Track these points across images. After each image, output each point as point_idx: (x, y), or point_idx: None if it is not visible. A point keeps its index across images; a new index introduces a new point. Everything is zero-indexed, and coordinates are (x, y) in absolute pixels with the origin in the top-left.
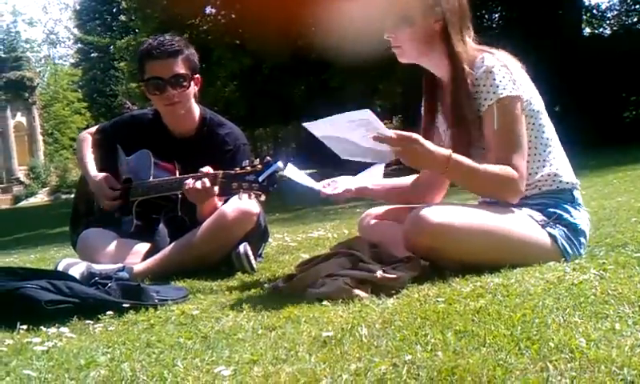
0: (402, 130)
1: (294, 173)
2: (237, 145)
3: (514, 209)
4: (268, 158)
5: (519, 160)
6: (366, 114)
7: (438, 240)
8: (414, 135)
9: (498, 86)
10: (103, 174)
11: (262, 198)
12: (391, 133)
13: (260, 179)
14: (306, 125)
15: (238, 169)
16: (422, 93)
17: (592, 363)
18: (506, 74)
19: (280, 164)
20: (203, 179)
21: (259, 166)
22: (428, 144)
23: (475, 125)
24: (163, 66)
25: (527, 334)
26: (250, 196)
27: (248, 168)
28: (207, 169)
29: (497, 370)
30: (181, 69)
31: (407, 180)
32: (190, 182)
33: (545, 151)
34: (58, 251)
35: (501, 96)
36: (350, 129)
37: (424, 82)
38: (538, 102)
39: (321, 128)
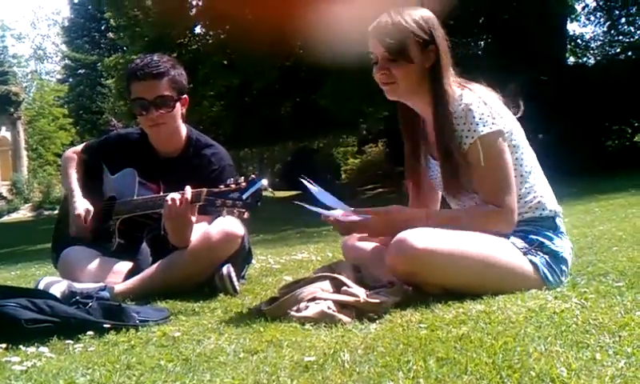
0: (388, 154)
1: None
2: (222, 165)
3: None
4: (252, 175)
5: (506, 196)
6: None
7: (421, 265)
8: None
9: (477, 124)
10: (84, 206)
11: (246, 215)
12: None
13: (244, 197)
14: (303, 181)
15: (222, 186)
16: (402, 131)
17: None
18: (485, 110)
19: (264, 181)
20: (185, 194)
21: (243, 184)
22: (402, 210)
23: (461, 161)
24: (148, 88)
25: (509, 362)
26: (233, 214)
27: (232, 186)
28: (188, 189)
29: None
30: (165, 90)
31: None
32: (170, 197)
33: (527, 180)
34: (39, 268)
35: (482, 133)
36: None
37: (401, 120)
38: (518, 133)
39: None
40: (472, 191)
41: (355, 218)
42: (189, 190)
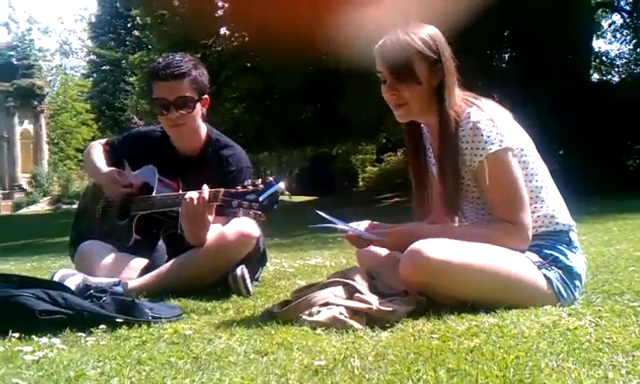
0: (406, 162)
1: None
2: (239, 167)
3: None
4: (270, 178)
5: (519, 212)
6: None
7: (434, 276)
8: (402, 230)
9: (486, 142)
10: (113, 168)
11: (262, 218)
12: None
13: (260, 199)
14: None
15: (239, 187)
16: (406, 144)
17: None
18: (493, 128)
19: (281, 185)
20: (202, 193)
21: (261, 186)
22: (415, 229)
23: (458, 183)
24: (169, 88)
25: (520, 376)
26: (249, 215)
27: (250, 187)
28: (205, 188)
29: None
30: (186, 91)
31: None
32: (188, 196)
33: (539, 194)
34: (54, 261)
35: (490, 151)
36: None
37: (407, 133)
38: (529, 148)
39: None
40: (481, 206)
41: (372, 236)
42: (206, 189)
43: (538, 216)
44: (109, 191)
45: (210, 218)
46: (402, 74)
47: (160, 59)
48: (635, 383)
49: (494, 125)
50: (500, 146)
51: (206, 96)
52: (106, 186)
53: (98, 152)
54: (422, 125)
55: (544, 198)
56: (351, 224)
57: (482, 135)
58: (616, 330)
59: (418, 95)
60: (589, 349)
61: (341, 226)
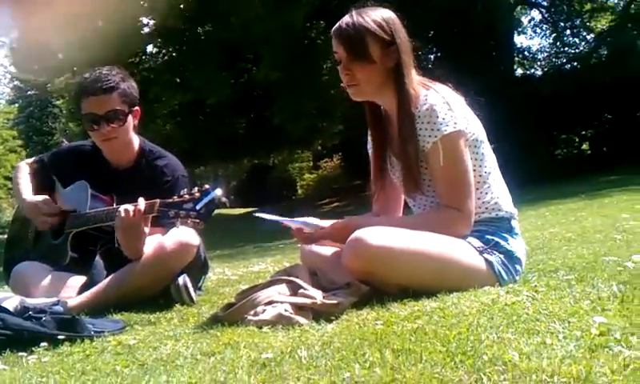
0: (343, 167)
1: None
2: (175, 176)
3: None
4: (206, 186)
5: (464, 198)
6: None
7: (375, 263)
8: (345, 221)
9: (441, 124)
10: (40, 197)
11: (200, 226)
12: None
13: (197, 207)
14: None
15: (175, 197)
16: (368, 126)
17: (524, 373)
18: (448, 111)
19: (218, 191)
20: (138, 206)
21: (197, 194)
22: (357, 220)
23: (417, 162)
24: (98, 103)
25: (462, 349)
26: (187, 224)
27: (186, 196)
28: (141, 200)
29: (433, 382)
30: (116, 105)
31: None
32: (124, 208)
33: (486, 181)
34: None
35: (445, 133)
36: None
37: (368, 117)
38: (480, 133)
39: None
40: (432, 192)
41: (317, 223)
42: (142, 202)
43: (483, 202)
44: (36, 223)
45: (147, 229)
46: (355, 54)
47: (87, 74)
48: (572, 346)
49: (449, 108)
50: (454, 127)
51: (136, 108)
52: (32, 218)
53: (23, 175)
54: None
55: (490, 184)
56: (296, 219)
57: (438, 117)
58: (552, 302)
59: (372, 75)
60: (527, 320)
61: (286, 222)
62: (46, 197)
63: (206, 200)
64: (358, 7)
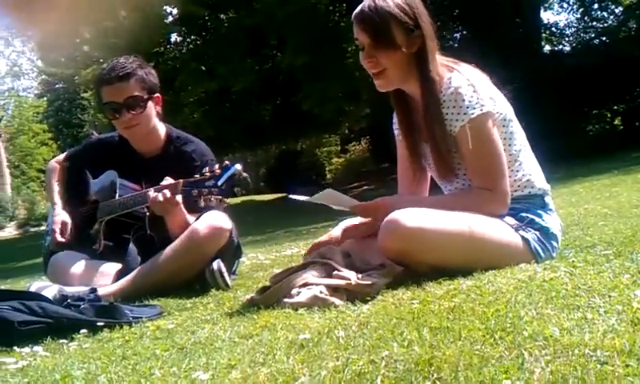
0: (371, 151)
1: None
2: (204, 160)
3: None
4: (226, 162)
5: (497, 179)
6: (330, 193)
7: (412, 244)
8: (380, 201)
9: (468, 107)
10: (61, 220)
11: (224, 203)
12: (358, 203)
13: (219, 183)
14: (292, 196)
15: (197, 176)
16: (395, 112)
17: (565, 348)
18: (474, 93)
19: (238, 166)
20: (164, 190)
21: (217, 171)
22: (392, 200)
23: (447, 146)
24: (116, 90)
25: (501, 326)
26: (210, 202)
27: (207, 174)
28: (167, 179)
29: (473, 359)
30: (134, 91)
31: None
32: (151, 194)
33: (517, 159)
34: (28, 282)
35: (472, 116)
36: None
37: (394, 101)
38: (508, 111)
39: (303, 199)
40: (464, 175)
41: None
42: (168, 179)
43: (515, 180)
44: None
45: (178, 207)
46: (379, 40)
47: (105, 65)
48: (614, 320)
49: (474, 90)
50: (481, 110)
51: (157, 94)
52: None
53: (54, 179)
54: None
55: (521, 161)
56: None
57: (464, 100)
58: (591, 277)
59: (397, 61)
60: (566, 295)
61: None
62: (67, 219)
63: (226, 175)
64: None
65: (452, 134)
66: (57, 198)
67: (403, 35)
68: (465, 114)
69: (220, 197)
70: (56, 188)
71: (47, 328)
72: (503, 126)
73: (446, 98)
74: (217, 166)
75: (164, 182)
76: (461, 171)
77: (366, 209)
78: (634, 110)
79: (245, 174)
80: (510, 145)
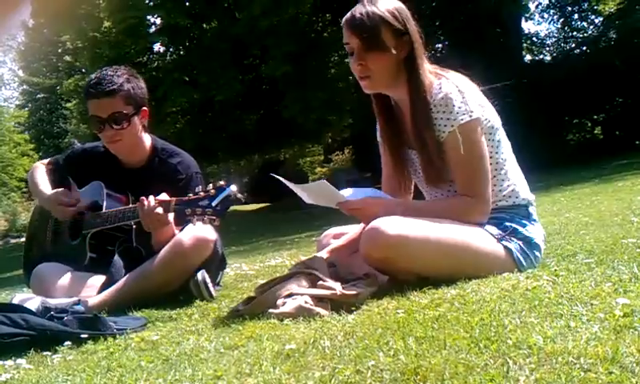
0: (354, 160)
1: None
2: (189, 173)
3: None
4: (221, 182)
5: (482, 186)
6: (323, 184)
7: (394, 252)
8: (367, 199)
9: (458, 113)
10: (57, 189)
11: (216, 222)
12: (346, 199)
13: (213, 204)
14: (276, 176)
15: (191, 195)
16: (378, 119)
17: (549, 356)
18: (463, 100)
19: (233, 188)
20: (157, 208)
21: (212, 191)
22: (378, 200)
23: (437, 151)
24: (102, 105)
25: (486, 334)
26: (204, 221)
27: (201, 194)
28: (163, 195)
29: (459, 368)
30: (119, 107)
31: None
32: (143, 209)
33: (502, 168)
34: (9, 294)
35: (462, 122)
36: (310, 193)
37: (377, 107)
38: (495, 120)
39: (285, 182)
40: (451, 181)
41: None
42: (152, 199)
43: (500, 189)
44: (56, 214)
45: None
46: (370, 44)
47: (93, 75)
48: (596, 328)
49: (464, 96)
50: (470, 117)
51: (144, 108)
52: (53, 209)
53: (40, 173)
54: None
55: (507, 171)
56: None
57: (454, 106)
58: (573, 285)
59: (386, 65)
60: (549, 304)
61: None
62: (64, 189)
63: (221, 196)
64: None
65: (440, 139)
66: (44, 186)
67: (393, 39)
68: (454, 119)
69: (214, 217)
70: (44, 179)
71: (31, 340)
72: (490, 134)
73: (435, 103)
74: (211, 186)
75: (158, 198)
76: (448, 177)
77: (351, 206)
78: (614, 119)
79: (239, 195)
80: (496, 153)
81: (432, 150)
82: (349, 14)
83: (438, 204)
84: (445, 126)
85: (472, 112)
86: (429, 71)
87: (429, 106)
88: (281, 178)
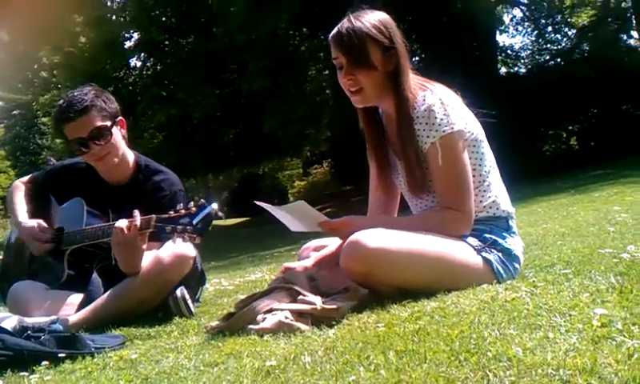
0: (333, 173)
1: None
2: (173, 190)
3: None
4: (202, 200)
5: (464, 199)
6: (302, 205)
7: (374, 264)
8: (346, 219)
9: (440, 124)
10: (35, 220)
11: (197, 240)
12: (326, 219)
13: (194, 222)
14: (258, 203)
15: (172, 212)
16: (364, 130)
17: (529, 368)
18: (446, 112)
19: (214, 206)
20: (134, 221)
21: (193, 209)
22: (358, 219)
23: (418, 162)
24: (79, 126)
25: (466, 347)
26: (184, 239)
27: (182, 211)
28: (136, 212)
29: (439, 381)
30: (97, 122)
31: None
32: (119, 224)
33: (485, 180)
34: None
35: (443, 134)
36: (291, 216)
37: (364, 119)
38: (478, 132)
39: (268, 208)
40: (434, 192)
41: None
42: (138, 217)
43: (481, 201)
44: (31, 247)
45: (144, 245)
46: (357, 60)
47: (61, 101)
48: (575, 339)
49: (446, 109)
50: (452, 128)
51: (119, 118)
52: (28, 242)
53: (19, 196)
54: (379, 110)
55: (490, 183)
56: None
57: (436, 117)
58: (551, 296)
59: (374, 80)
60: (527, 315)
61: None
62: (41, 221)
63: (202, 214)
64: (353, 11)
65: (422, 150)
66: (22, 212)
67: (379, 54)
68: (436, 130)
69: (194, 235)
70: (21, 202)
71: (7, 360)
72: (474, 146)
73: (419, 114)
74: (192, 203)
75: (134, 217)
76: (432, 187)
77: (331, 226)
78: (588, 129)
79: (220, 213)
80: (480, 165)
81: (413, 160)
82: (335, 30)
83: (421, 218)
84: (427, 137)
85: (454, 124)
86: (414, 83)
87: (412, 119)
88: (265, 205)
